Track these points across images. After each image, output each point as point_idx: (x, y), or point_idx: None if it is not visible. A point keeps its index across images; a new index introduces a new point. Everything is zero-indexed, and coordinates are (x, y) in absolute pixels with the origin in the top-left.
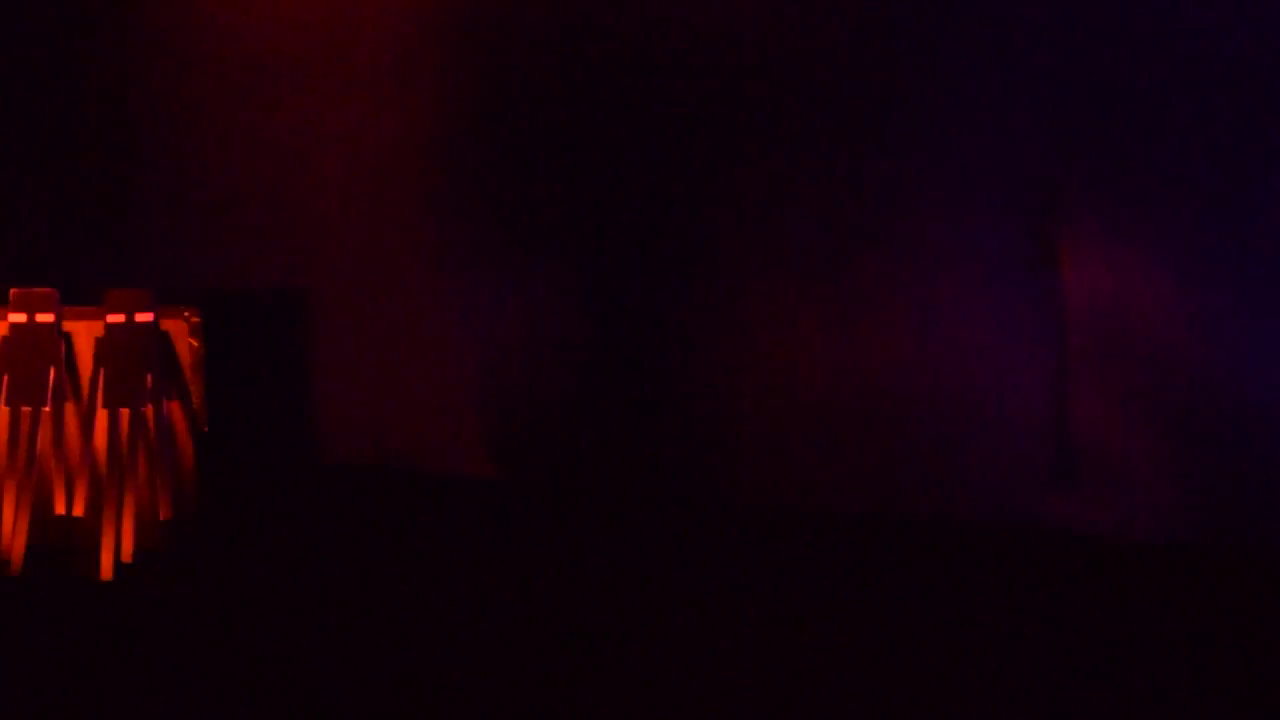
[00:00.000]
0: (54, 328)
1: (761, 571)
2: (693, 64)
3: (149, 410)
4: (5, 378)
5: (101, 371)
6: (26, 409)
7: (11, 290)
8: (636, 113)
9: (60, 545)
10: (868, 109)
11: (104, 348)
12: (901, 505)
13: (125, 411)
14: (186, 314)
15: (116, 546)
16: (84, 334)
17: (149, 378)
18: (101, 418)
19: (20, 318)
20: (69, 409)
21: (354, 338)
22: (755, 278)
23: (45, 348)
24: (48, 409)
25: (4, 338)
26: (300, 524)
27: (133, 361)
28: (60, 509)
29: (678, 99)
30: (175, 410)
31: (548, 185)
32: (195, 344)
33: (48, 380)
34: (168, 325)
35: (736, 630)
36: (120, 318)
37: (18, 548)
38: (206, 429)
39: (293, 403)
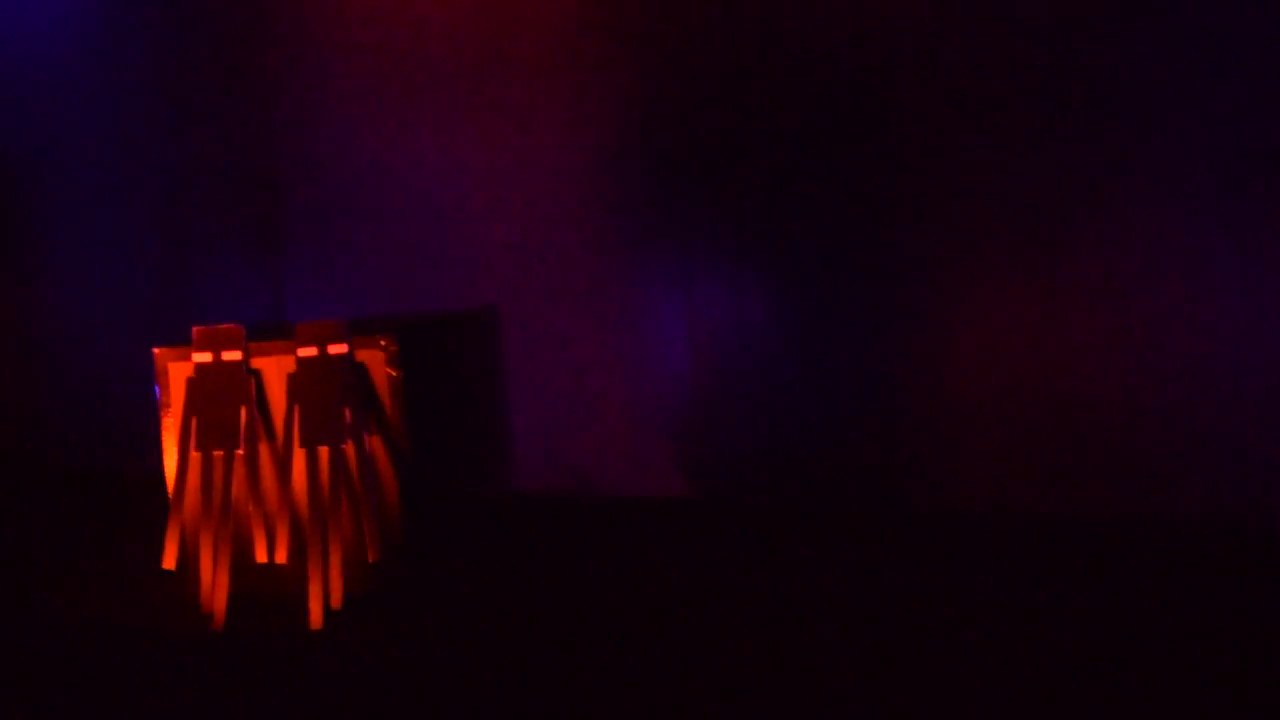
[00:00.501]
0: (242, 365)
1: (995, 583)
2: (896, 63)
3: (349, 447)
4: (194, 421)
5: (296, 409)
6: (219, 453)
7: (195, 329)
8: (834, 112)
9: (265, 595)
10: (1064, 109)
11: (297, 383)
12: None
13: (324, 450)
14: (383, 342)
15: (325, 593)
16: (274, 370)
17: (347, 412)
18: (299, 458)
19: (205, 357)
20: (263, 450)
21: (540, 357)
22: (956, 282)
23: (234, 387)
24: (241, 451)
25: (190, 379)
26: (509, 560)
27: (329, 396)
28: (261, 556)
29: (877, 97)
30: (376, 445)
31: (742, 191)
32: (393, 373)
33: (239, 421)
34: (363, 355)
35: (979, 651)
36: (313, 351)
37: (219, 601)
38: (410, 462)
39: (485, 428)
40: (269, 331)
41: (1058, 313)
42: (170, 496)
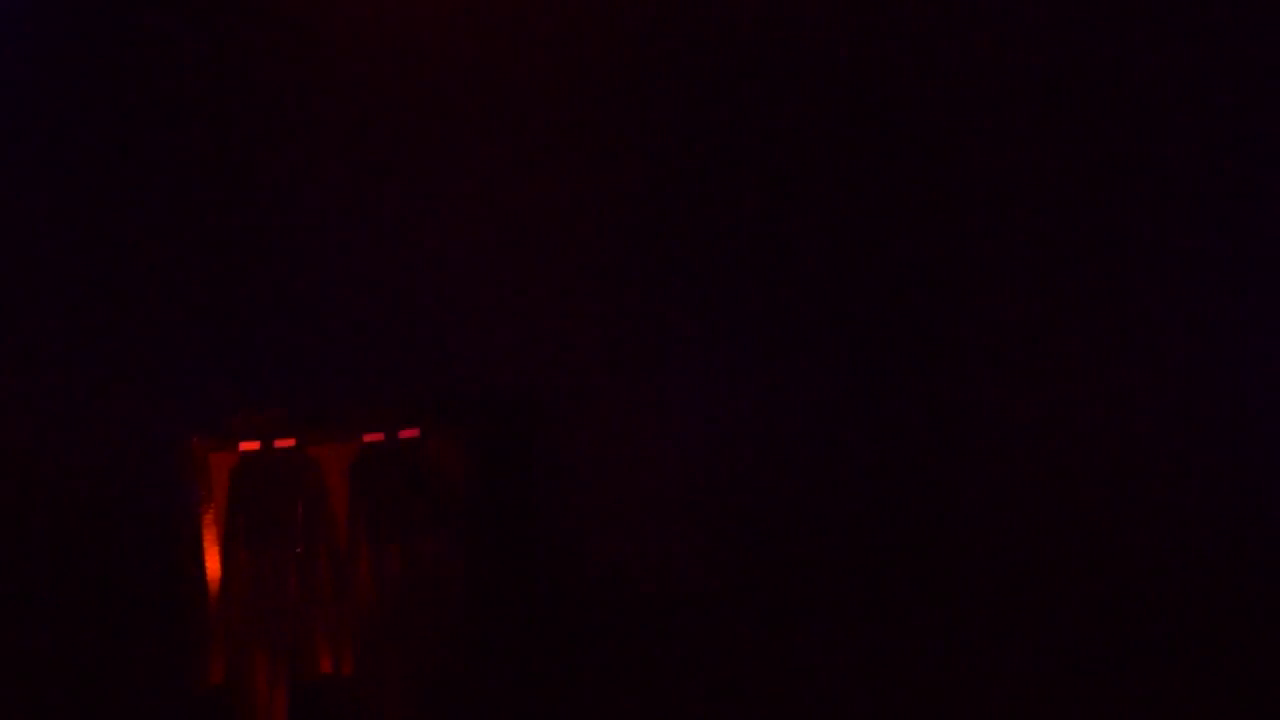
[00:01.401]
0: (298, 454)
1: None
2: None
3: (425, 545)
4: (240, 518)
5: (362, 503)
6: (271, 552)
7: (237, 414)
8: (876, 157)
9: (331, 712)
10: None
11: (361, 473)
12: None
13: (394, 548)
14: (458, 428)
15: (399, 707)
16: (330, 459)
17: (419, 506)
18: (366, 557)
19: (252, 445)
20: (322, 550)
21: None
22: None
23: (288, 478)
24: (299, 550)
25: (234, 469)
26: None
27: (399, 487)
28: (326, 667)
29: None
30: (448, 541)
31: (781, 253)
32: (469, 461)
33: (295, 517)
34: (434, 442)
35: None
36: (378, 436)
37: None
38: (483, 560)
39: (533, 517)
40: (312, 415)
41: None
42: (213, 602)
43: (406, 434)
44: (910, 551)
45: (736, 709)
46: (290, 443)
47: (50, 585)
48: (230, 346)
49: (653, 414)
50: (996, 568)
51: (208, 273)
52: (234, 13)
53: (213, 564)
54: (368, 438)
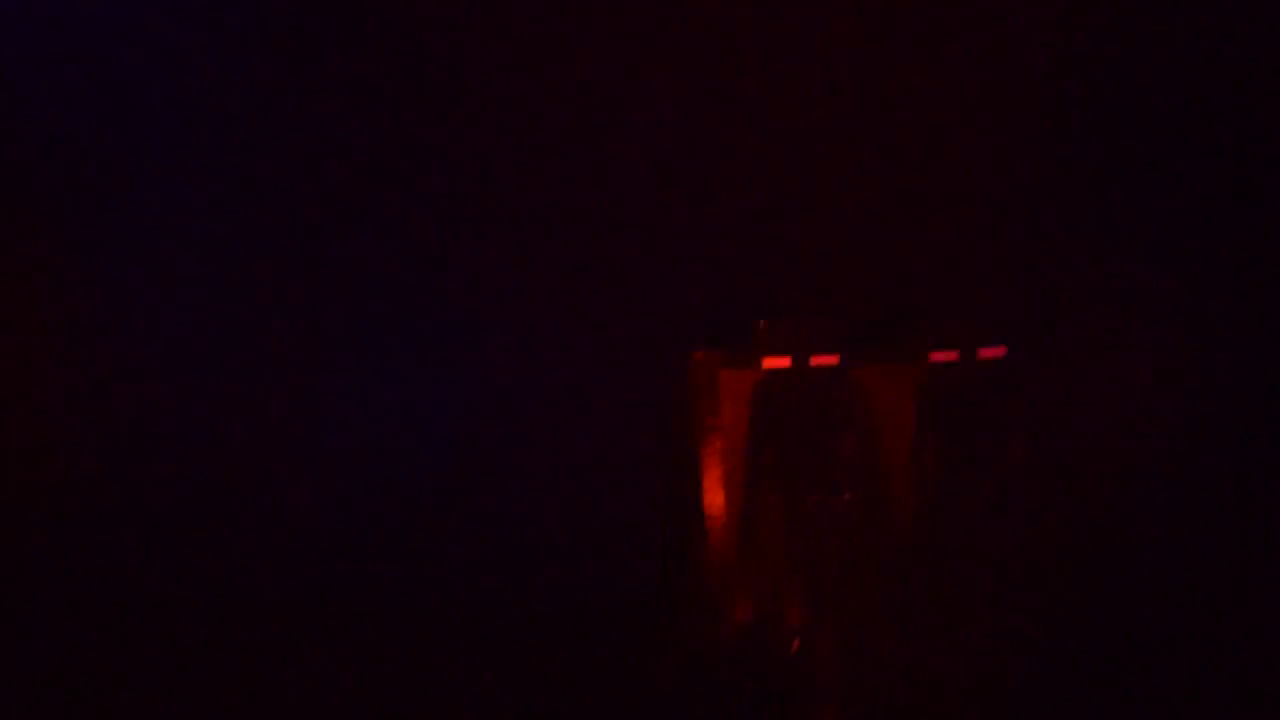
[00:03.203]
0: (841, 375)
1: None
2: None
3: (1014, 492)
4: (768, 452)
5: (929, 439)
6: (811, 498)
7: (760, 322)
8: None
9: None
10: None
11: (929, 404)
12: None
13: (977, 496)
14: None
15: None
16: (886, 384)
17: (1008, 444)
18: (934, 509)
19: (782, 362)
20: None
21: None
22: None
23: (832, 407)
24: (846, 497)
25: (756, 389)
26: None
27: (979, 419)
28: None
29: None
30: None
31: None
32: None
33: (840, 457)
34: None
35: None
36: (951, 355)
37: None
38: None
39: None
40: (861, 325)
41: None
42: (731, 551)
43: (988, 353)
44: None
45: None
46: (831, 359)
47: (527, 520)
48: (751, 233)
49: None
50: None
51: None
52: None
53: (714, 502)
54: (936, 356)
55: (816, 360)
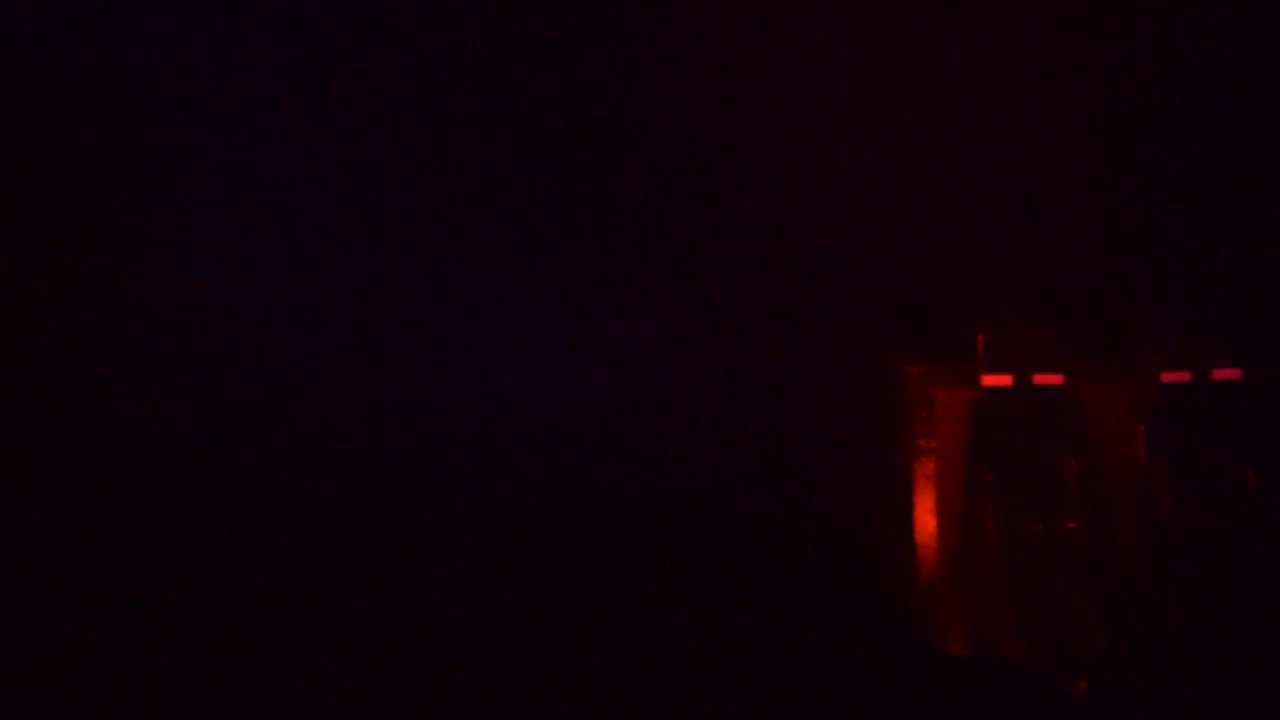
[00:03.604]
0: (1065, 394)
1: None
2: None
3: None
4: (988, 476)
5: (1158, 465)
6: (1033, 527)
7: (981, 336)
8: None
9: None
10: None
11: (1159, 424)
12: None
13: (1212, 526)
14: None
15: None
16: (1112, 405)
17: (1240, 469)
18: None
19: (1003, 379)
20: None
21: None
22: None
23: (1055, 428)
24: (1072, 527)
25: (974, 407)
26: None
27: (1211, 445)
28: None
29: None
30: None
31: None
32: None
33: (1067, 481)
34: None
35: None
36: (1183, 376)
37: None
38: None
39: None
40: (1087, 342)
41: None
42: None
43: (1222, 374)
44: None
45: None
46: (1055, 379)
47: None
48: (972, 240)
49: None
50: None
51: None
52: None
53: (927, 528)
54: (1167, 376)
55: (1039, 378)
